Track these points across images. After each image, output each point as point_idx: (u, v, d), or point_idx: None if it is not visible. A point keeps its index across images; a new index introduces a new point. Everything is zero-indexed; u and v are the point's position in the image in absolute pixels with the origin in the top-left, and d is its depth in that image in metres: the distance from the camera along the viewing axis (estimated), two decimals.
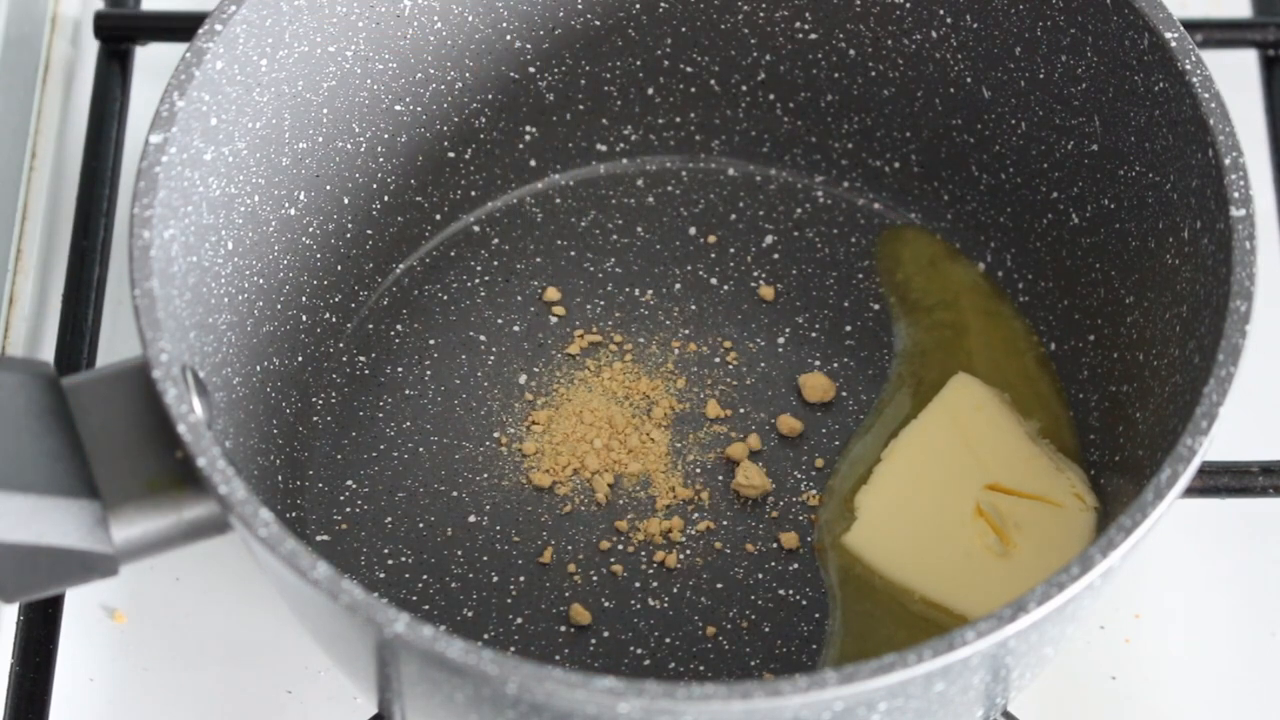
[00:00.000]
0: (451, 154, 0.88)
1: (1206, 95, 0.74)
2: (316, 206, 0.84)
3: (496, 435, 0.85)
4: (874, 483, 0.83)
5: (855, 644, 0.80)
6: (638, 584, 0.82)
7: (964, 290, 0.88)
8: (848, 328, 0.87)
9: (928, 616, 0.80)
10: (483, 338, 0.87)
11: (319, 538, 0.82)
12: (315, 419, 0.85)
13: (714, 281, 0.89)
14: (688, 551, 0.82)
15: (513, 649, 0.80)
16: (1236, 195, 0.72)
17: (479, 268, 0.89)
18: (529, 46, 0.87)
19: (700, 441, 0.85)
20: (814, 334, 0.87)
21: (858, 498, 0.82)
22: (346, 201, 0.85)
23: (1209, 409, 0.68)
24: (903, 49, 0.86)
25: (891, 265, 0.89)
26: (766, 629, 0.80)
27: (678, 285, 0.89)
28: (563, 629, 0.80)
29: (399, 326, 0.87)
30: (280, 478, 0.82)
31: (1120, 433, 0.81)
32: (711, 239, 0.90)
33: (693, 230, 0.90)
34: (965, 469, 0.82)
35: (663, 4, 0.87)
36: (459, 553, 0.82)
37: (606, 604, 0.81)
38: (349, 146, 0.84)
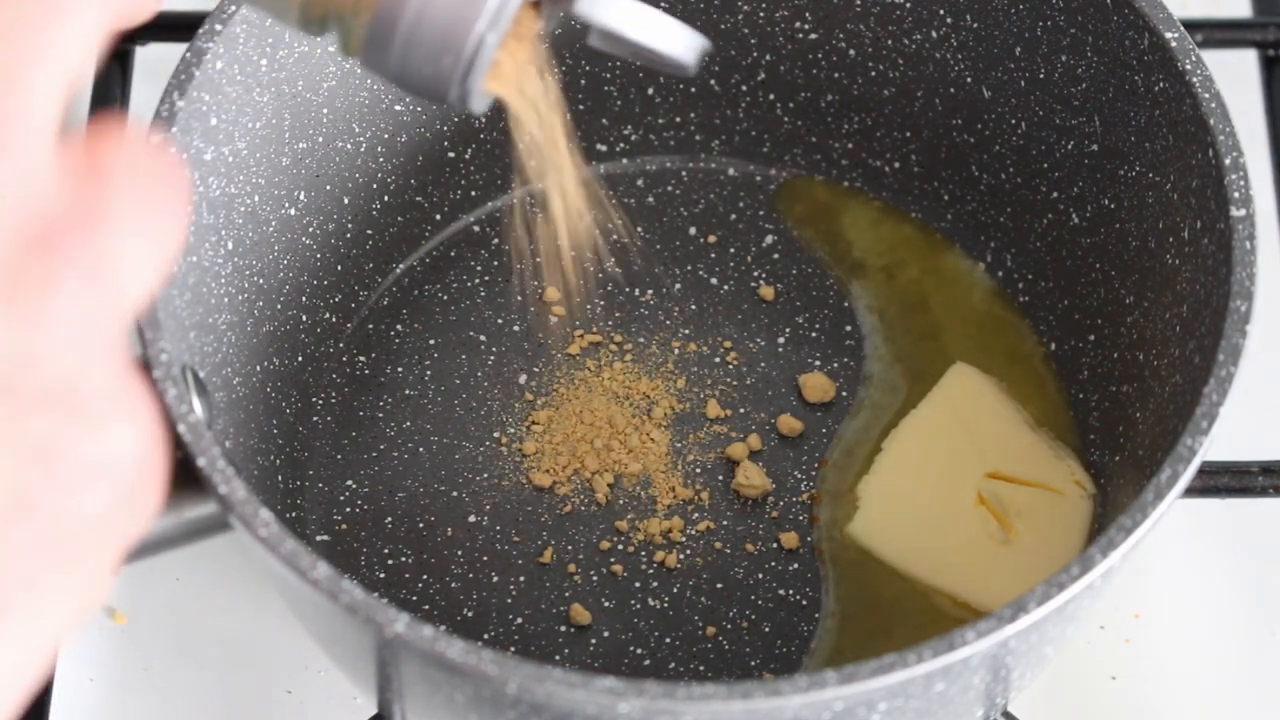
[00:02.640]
0: (451, 154, 0.88)
1: (1206, 95, 0.74)
2: (316, 206, 0.84)
3: (496, 435, 0.85)
4: (876, 472, 0.83)
5: (853, 639, 0.80)
6: (638, 584, 0.82)
7: (903, 246, 0.88)
8: (848, 328, 0.87)
9: (928, 609, 0.80)
10: (483, 338, 0.87)
11: (319, 538, 0.82)
12: (315, 419, 0.85)
13: (714, 281, 0.89)
14: (688, 551, 0.82)
15: (513, 649, 0.80)
16: (1236, 195, 0.72)
17: (479, 268, 0.89)
18: None
19: (700, 441, 0.85)
20: (814, 334, 0.87)
21: (860, 487, 0.83)
22: (346, 201, 0.85)
23: (1209, 409, 0.68)
24: (903, 49, 0.86)
25: (826, 230, 0.89)
26: (766, 629, 0.80)
27: (678, 285, 0.89)
28: (563, 629, 0.80)
29: (399, 326, 0.87)
30: (280, 478, 0.82)
31: (1120, 433, 0.81)
32: (711, 239, 0.90)
33: (693, 230, 0.90)
34: (966, 457, 0.82)
35: (663, 4, 0.87)
36: (459, 553, 0.82)
37: (606, 604, 0.81)
38: (349, 146, 0.84)
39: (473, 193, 0.90)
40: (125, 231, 0.46)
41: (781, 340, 0.87)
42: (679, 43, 0.57)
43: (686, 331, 0.87)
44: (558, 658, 0.80)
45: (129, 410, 0.46)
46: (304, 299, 0.84)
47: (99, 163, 0.46)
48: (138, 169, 0.46)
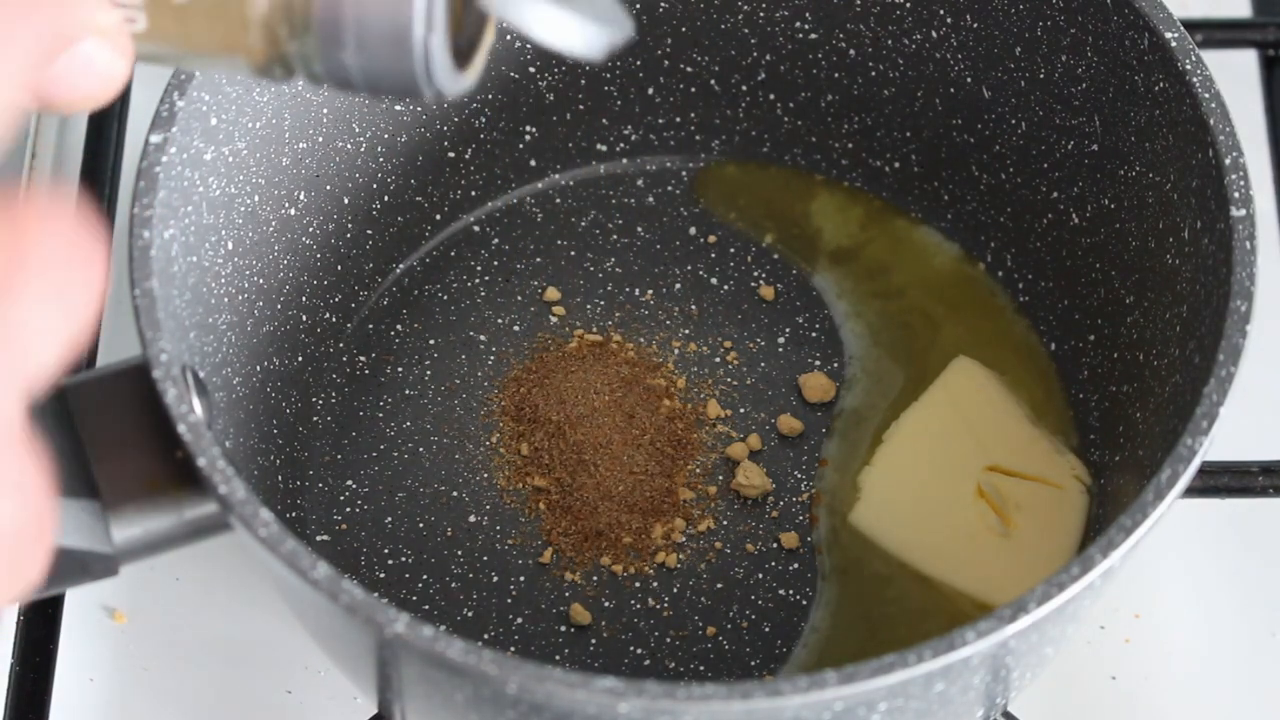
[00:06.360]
0: (451, 154, 0.88)
1: (1206, 95, 0.74)
2: (316, 206, 0.84)
3: (496, 435, 0.85)
4: (877, 463, 0.83)
5: (852, 638, 0.80)
6: (638, 584, 0.82)
7: (867, 224, 0.89)
8: (839, 324, 0.87)
9: (928, 608, 0.80)
10: (483, 338, 0.87)
11: (319, 538, 0.82)
12: (315, 419, 0.85)
13: (714, 281, 0.89)
14: (688, 551, 0.82)
15: (513, 649, 0.80)
16: (1236, 195, 0.72)
17: (479, 268, 0.89)
18: (529, 46, 0.87)
19: (700, 442, 0.85)
20: (814, 334, 0.87)
21: (861, 477, 0.83)
22: (346, 201, 0.85)
23: (1209, 409, 0.68)
24: (903, 49, 0.86)
25: (778, 217, 0.89)
26: (767, 629, 0.81)
27: (678, 285, 0.89)
28: (563, 629, 0.81)
29: (399, 326, 0.87)
30: (280, 478, 0.82)
31: (1120, 433, 0.81)
32: (711, 239, 0.90)
33: (693, 230, 0.90)
34: (966, 450, 0.83)
35: (663, 4, 0.87)
36: (459, 553, 0.82)
37: (606, 604, 0.81)
38: (349, 146, 0.84)
39: (473, 193, 0.90)
40: (33, 306, 0.45)
41: (781, 340, 0.87)
42: (579, 41, 0.58)
43: (686, 331, 0.87)
44: (558, 658, 0.80)
45: (14, 483, 0.46)
46: (304, 299, 0.84)
47: (15, 234, 0.45)
48: (55, 242, 0.46)
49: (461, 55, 0.58)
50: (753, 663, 0.80)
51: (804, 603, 0.81)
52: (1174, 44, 0.75)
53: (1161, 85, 0.76)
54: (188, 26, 0.56)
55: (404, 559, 0.82)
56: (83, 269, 0.46)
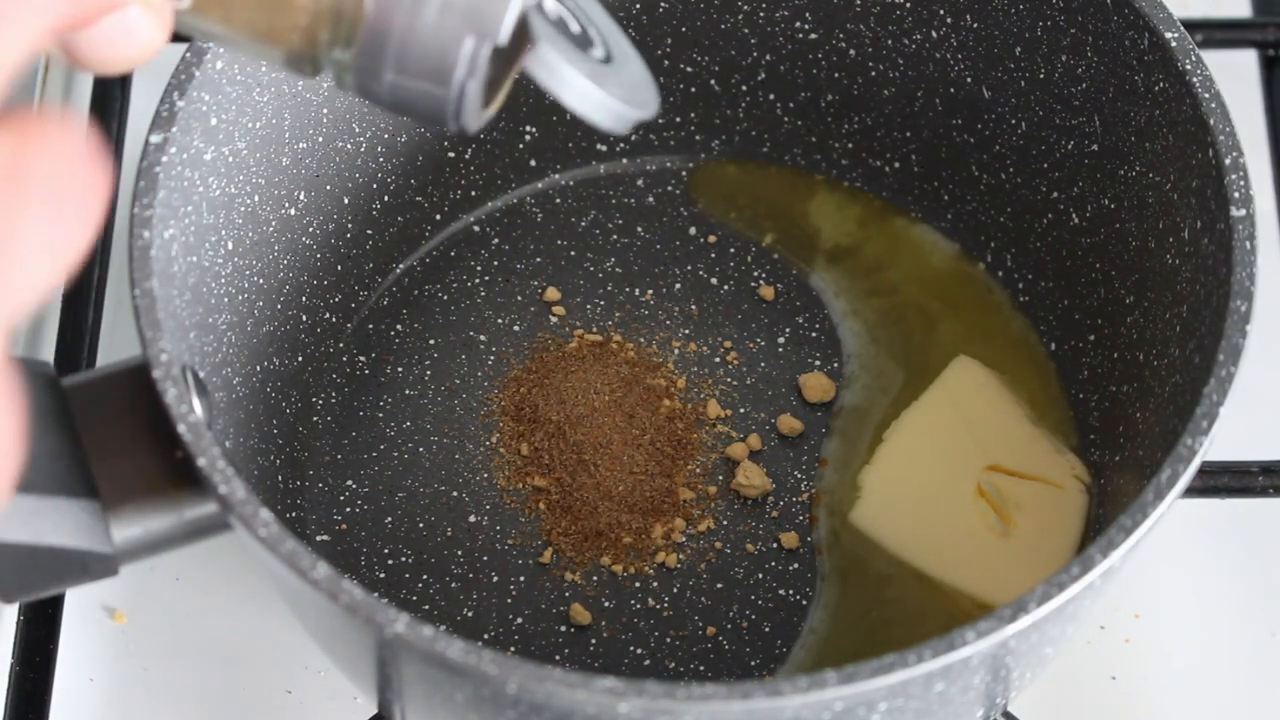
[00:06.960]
0: (451, 154, 0.88)
1: (1206, 95, 0.74)
2: (316, 206, 0.84)
3: (496, 435, 0.85)
4: (877, 462, 0.83)
5: (852, 638, 0.80)
6: (638, 584, 0.82)
7: (865, 223, 0.89)
8: (839, 323, 0.87)
9: (927, 608, 0.80)
10: (483, 338, 0.87)
11: (319, 538, 0.82)
12: (315, 419, 0.85)
13: (714, 281, 0.89)
14: (688, 551, 0.82)
15: (513, 649, 0.80)
16: (1236, 195, 0.72)
17: (479, 268, 0.89)
18: None
19: (700, 442, 0.85)
20: (814, 334, 0.87)
21: (861, 476, 0.83)
22: (346, 201, 0.85)
23: (1209, 409, 0.68)
24: (903, 49, 0.86)
25: (776, 217, 0.89)
26: (767, 629, 0.81)
27: (678, 285, 0.89)
28: (563, 629, 0.81)
29: (399, 326, 0.87)
30: (280, 478, 0.82)
31: (1120, 433, 0.81)
32: (711, 239, 0.90)
33: (693, 230, 0.90)
34: (966, 450, 0.83)
35: (663, 4, 0.87)
36: (459, 553, 0.82)
37: (606, 604, 0.81)
38: (349, 146, 0.84)
39: (473, 193, 0.90)
40: (31, 223, 0.45)
41: (781, 340, 0.87)
42: (607, 117, 0.61)
43: (686, 331, 0.87)
44: (558, 658, 0.80)
45: None
46: (304, 299, 0.84)
47: (19, 146, 0.45)
48: (59, 158, 0.45)
49: (486, 91, 0.59)
50: (752, 663, 0.80)
51: (804, 603, 0.81)
52: (1174, 44, 0.75)
53: (1161, 85, 0.76)
54: (231, 12, 0.57)
55: (404, 559, 0.82)
56: (85, 190, 0.46)
